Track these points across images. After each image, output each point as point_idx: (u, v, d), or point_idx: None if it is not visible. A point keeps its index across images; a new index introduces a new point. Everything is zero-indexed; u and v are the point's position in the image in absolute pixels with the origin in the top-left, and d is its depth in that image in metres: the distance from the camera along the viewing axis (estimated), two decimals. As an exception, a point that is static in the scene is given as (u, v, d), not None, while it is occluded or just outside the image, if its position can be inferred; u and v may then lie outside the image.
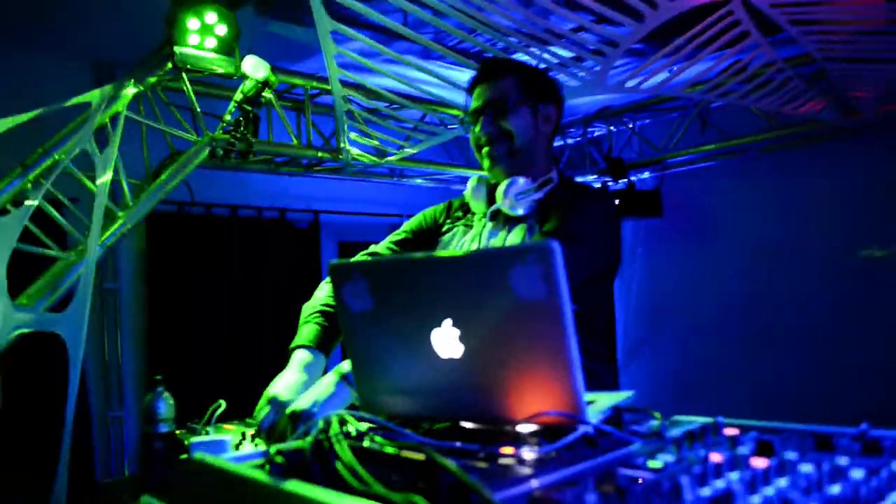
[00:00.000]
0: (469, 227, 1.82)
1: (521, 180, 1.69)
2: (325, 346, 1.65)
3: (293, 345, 1.65)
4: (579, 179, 5.83)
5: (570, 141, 5.89)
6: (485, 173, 1.83)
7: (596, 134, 5.82)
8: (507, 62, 1.83)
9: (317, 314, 1.70)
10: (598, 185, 5.45)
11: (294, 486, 0.86)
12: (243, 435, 1.74)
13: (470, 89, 1.80)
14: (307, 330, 1.67)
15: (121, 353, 4.15)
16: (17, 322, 2.02)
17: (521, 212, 1.68)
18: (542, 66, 3.01)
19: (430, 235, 1.87)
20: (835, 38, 2.82)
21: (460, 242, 1.79)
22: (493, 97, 1.72)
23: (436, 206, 1.94)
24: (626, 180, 5.28)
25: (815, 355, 4.58)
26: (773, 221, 4.87)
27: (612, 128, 5.53)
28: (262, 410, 1.51)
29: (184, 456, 1.65)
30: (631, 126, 5.45)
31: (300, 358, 1.61)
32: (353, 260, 1.18)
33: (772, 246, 4.88)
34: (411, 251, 1.84)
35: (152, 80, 2.73)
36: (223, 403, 1.77)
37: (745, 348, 5.00)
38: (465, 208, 1.87)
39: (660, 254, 5.61)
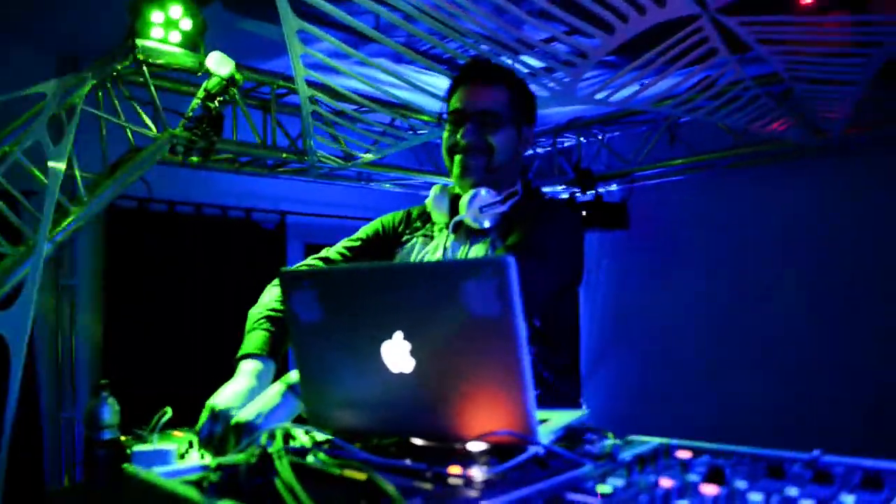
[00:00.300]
0: (429, 237, 1.76)
1: (485, 192, 1.63)
2: (274, 352, 1.58)
3: (240, 353, 1.58)
4: (546, 189, 5.85)
5: (539, 150, 5.91)
6: (448, 181, 1.79)
7: (566, 144, 5.85)
8: (502, 69, 1.74)
9: (263, 320, 1.63)
10: (565, 196, 5.47)
11: (227, 507, 0.82)
12: (190, 443, 1.68)
13: (455, 85, 1.70)
14: (255, 337, 1.60)
15: (74, 351, 4.03)
16: (-44, 320, 1.94)
17: (486, 224, 1.63)
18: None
19: (386, 243, 1.81)
20: (802, 58, 2.86)
21: (420, 254, 1.72)
22: (484, 107, 1.64)
23: (394, 214, 1.87)
24: (593, 192, 5.31)
25: (777, 371, 4.65)
26: (739, 237, 4.94)
27: (581, 139, 5.56)
28: (202, 419, 1.45)
29: (126, 465, 1.59)
30: (601, 138, 5.49)
31: (248, 368, 1.55)
32: (302, 266, 1.14)
33: (736, 261, 4.94)
34: (364, 258, 1.78)
35: (112, 72, 2.65)
36: (169, 411, 1.71)
37: (706, 361, 5.05)
38: (425, 217, 1.81)
39: (625, 266, 5.65)
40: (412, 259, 1.72)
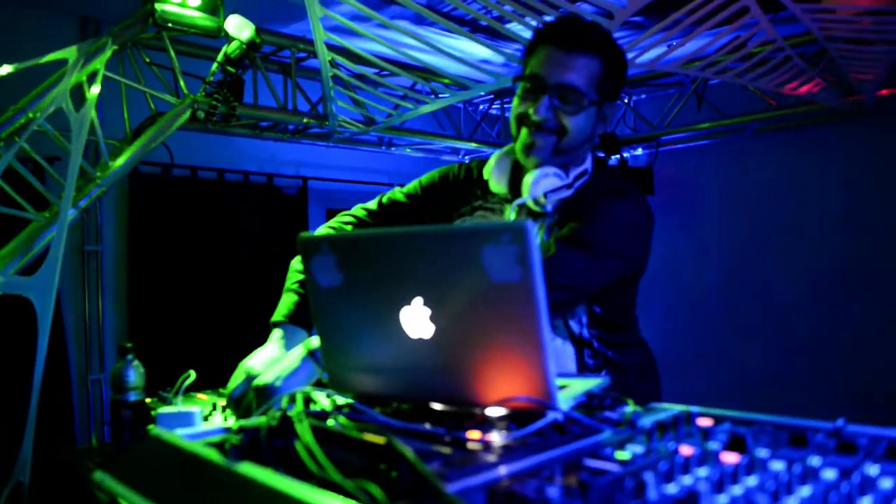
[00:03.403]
0: (489, 210, 1.63)
1: (552, 176, 1.50)
2: (306, 320, 1.57)
3: (274, 318, 1.58)
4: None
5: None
6: (489, 149, 1.72)
7: (591, 108, 5.74)
8: (597, 33, 1.49)
9: (299, 284, 1.59)
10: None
11: (246, 469, 0.83)
12: (214, 406, 1.71)
13: (536, 42, 1.51)
14: (289, 301, 1.57)
15: (101, 315, 4.10)
16: (-15, 284, 1.98)
17: (549, 208, 1.52)
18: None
19: (445, 194, 1.70)
20: (837, 16, 2.76)
21: None
22: (567, 80, 1.45)
23: (457, 165, 1.74)
24: (618, 156, 5.24)
25: (803, 338, 4.60)
26: (767, 203, 4.85)
27: (607, 102, 5.46)
28: (235, 382, 1.47)
29: (150, 426, 1.63)
30: (627, 101, 5.38)
31: (281, 334, 1.55)
32: (322, 233, 1.14)
33: (763, 227, 4.86)
34: (419, 212, 1.68)
35: (132, 37, 2.64)
36: (192, 374, 1.74)
37: (731, 328, 5.01)
38: (484, 185, 1.66)
39: (650, 231, 5.58)
40: None
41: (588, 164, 1.58)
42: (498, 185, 1.59)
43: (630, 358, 1.67)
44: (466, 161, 1.79)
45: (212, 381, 1.91)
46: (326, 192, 5.23)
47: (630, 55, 3.06)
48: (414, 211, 1.70)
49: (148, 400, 1.81)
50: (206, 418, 1.62)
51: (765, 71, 3.33)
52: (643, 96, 5.40)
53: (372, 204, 1.76)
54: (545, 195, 1.49)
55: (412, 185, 1.73)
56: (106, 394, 4.01)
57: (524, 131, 1.52)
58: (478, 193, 1.66)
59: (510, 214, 1.56)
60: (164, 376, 1.98)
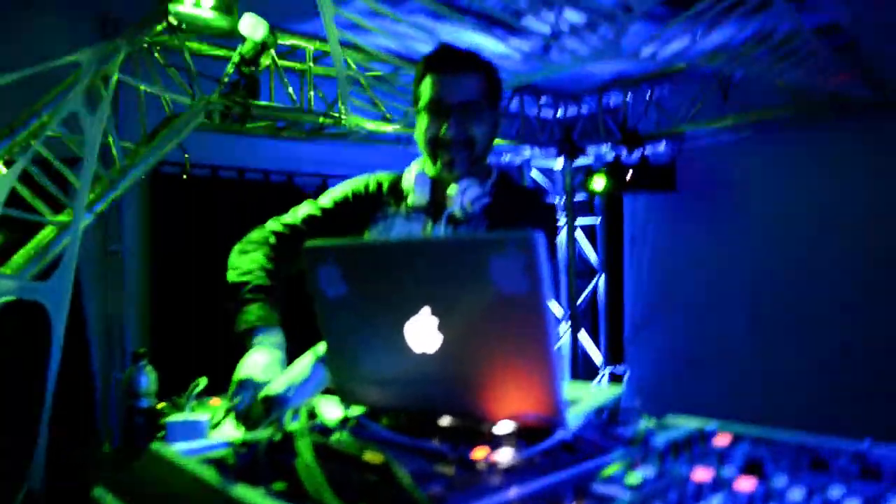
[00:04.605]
0: (407, 216, 1.74)
1: (474, 185, 1.65)
2: (279, 322, 1.60)
3: (244, 326, 1.59)
4: (591, 149, 5.71)
5: (583, 109, 5.73)
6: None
7: (612, 103, 5.66)
8: (471, 56, 1.69)
9: (256, 291, 1.65)
10: (611, 156, 5.32)
11: (241, 491, 0.81)
12: (225, 413, 1.70)
13: (424, 72, 1.67)
14: (256, 308, 1.61)
15: (123, 314, 4.14)
16: (1, 290, 1.98)
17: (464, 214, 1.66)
18: (553, 30, 2.89)
19: (358, 208, 1.78)
20: (868, 3, 2.66)
21: (401, 234, 1.71)
22: (464, 98, 1.62)
23: (366, 178, 1.83)
24: (640, 152, 5.15)
25: (830, 341, 4.46)
26: (794, 199, 4.71)
27: (628, 97, 5.37)
28: (233, 394, 1.46)
29: (161, 434, 1.62)
30: (648, 96, 5.29)
31: (267, 339, 1.56)
32: (327, 243, 1.12)
33: (791, 225, 4.72)
34: (333, 226, 1.74)
35: (147, 39, 2.64)
36: (203, 381, 1.72)
37: (755, 328, 4.90)
38: (398, 194, 1.77)
39: (672, 229, 5.48)
40: (393, 234, 1.70)
41: (495, 176, 1.75)
42: (420, 198, 1.71)
43: None
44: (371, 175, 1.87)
45: (231, 378, 1.89)
46: (346, 189, 5.21)
47: (650, 49, 2.99)
48: (328, 225, 1.77)
49: (161, 405, 1.81)
50: (215, 426, 1.61)
51: (793, 63, 3.23)
52: (666, 90, 5.29)
53: (289, 218, 1.83)
54: (471, 202, 1.64)
55: (326, 202, 1.81)
56: (127, 392, 4.04)
57: (441, 152, 1.66)
58: (391, 202, 1.77)
59: (440, 224, 1.68)
60: (185, 374, 1.97)
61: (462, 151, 1.65)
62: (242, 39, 2.91)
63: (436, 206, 1.71)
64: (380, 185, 1.81)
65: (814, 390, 4.43)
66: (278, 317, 1.62)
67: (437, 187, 1.71)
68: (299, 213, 1.83)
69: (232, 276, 1.72)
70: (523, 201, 1.74)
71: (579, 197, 6.12)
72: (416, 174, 1.72)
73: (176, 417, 1.50)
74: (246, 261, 1.73)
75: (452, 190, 1.65)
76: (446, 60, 1.67)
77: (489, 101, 1.67)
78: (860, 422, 4.02)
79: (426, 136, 1.67)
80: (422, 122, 1.68)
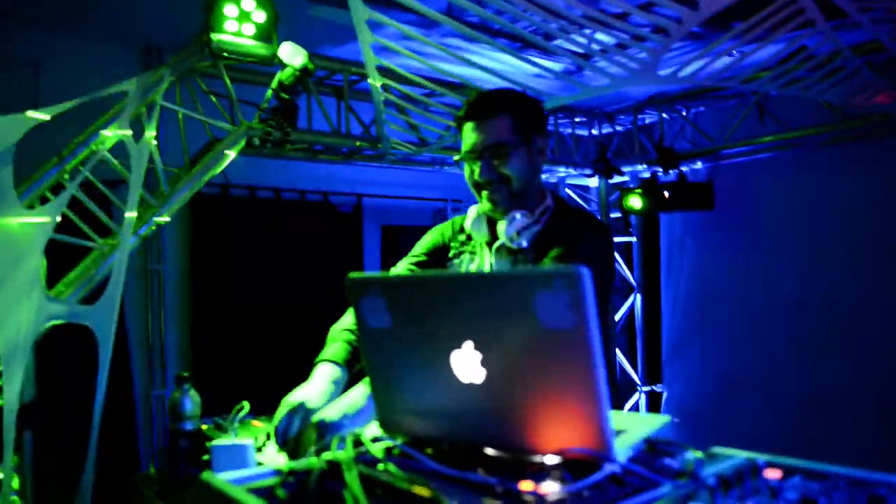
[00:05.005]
0: (473, 254, 1.87)
1: (519, 215, 1.73)
2: (350, 363, 1.67)
3: (319, 359, 1.67)
4: (626, 169, 5.67)
5: (618, 128, 5.71)
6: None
7: (647, 121, 5.63)
8: (499, 98, 1.78)
9: (346, 331, 1.74)
10: (646, 175, 5.28)
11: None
12: (268, 436, 1.72)
13: (460, 124, 1.78)
14: (334, 347, 1.70)
15: (164, 332, 4.22)
16: (49, 313, 2.04)
17: (524, 244, 1.73)
18: (584, 53, 2.89)
19: (443, 254, 1.92)
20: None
21: (467, 270, 1.81)
22: (490, 141, 1.71)
23: (444, 226, 1.98)
24: (676, 171, 5.10)
25: (876, 363, 4.34)
26: (832, 219, 4.62)
27: (664, 115, 5.34)
28: (280, 416, 1.48)
29: (205, 457, 1.65)
30: (684, 114, 5.25)
31: (325, 371, 1.61)
32: (371, 274, 1.14)
33: (829, 244, 4.62)
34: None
35: (189, 67, 2.71)
36: (247, 405, 1.75)
37: (796, 349, 4.79)
38: (468, 235, 1.90)
39: (710, 248, 5.41)
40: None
41: (549, 201, 1.81)
42: (479, 235, 1.83)
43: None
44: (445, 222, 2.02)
45: (270, 396, 1.92)
46: (381, 208, 5.27)
47: (688, 71, 2.98)
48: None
49: (205, 427, 1.84)
50: (259, 449, 1.63)
51: (833, 83, 3.19)
52: (702, 109, 5.25)
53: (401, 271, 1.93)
54: (518, 233, 1.71)
55: (416, 257, 1.94)
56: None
57: (483, 194, 1.77)
58: (462, 240, 1.91)
59: (492, 254, 1.80)
60: (226, 393, 2.01)
61: (500, 190, 1.74)
62: (282, 66, 2.97)
63: (494, 241, 1.80)
64: (453, 225, 1.96)
65: (859, 414, 4.30)
66: (350, 359, 1.69)
67: (493, 223, 1.81)
68: (401, 266, 1.95)
69: (335, 325, 1.82)
70: (578, 226, 1.78)
71: (615, 215, 6.08)
72: (474, 218, 1.84)
73: (221, 441, 1.53)
74: (350, 317, 1.82)
75: (502, 224, 1.74)
76: (476, 106, 1.75)
77: (522, 135, 1.73)
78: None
79: (469, 180, 1.80)
80: (465, 168, 1.80)
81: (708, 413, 5.08)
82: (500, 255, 1.80)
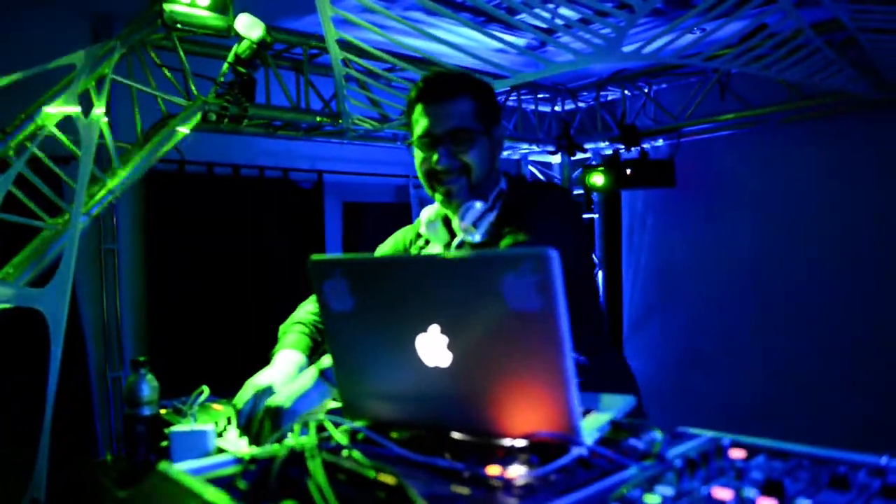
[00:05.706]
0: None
1: (478, 204, 1.59)
2: (308, 351, 1.64)
3: (276, 350, 1.64)
4: (589, 146, 5.69)
5: (581, 105, 5.72)
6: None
7: (609, 98, 5.64)
8: (459, 81, 1.64)
9: (298, 324, 1.71)
10: (609, 152, 5.30)
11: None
12: (229, 420, 1.68)
13: (413, 104, 1.63)
14: (292, 338, 1.66)
15: (120, 313, 4.11)
16: (-4, 297, 1.96)
17: (477, 238, 1.59)
18: (548, 28, 2.85)
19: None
20: (869, 5, 2.65)
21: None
22: (452, 126, 1.58)
23: (402, 231, 1.89)
24: (638, 148, 5.14)
25: (835, 336, 4.46)
26: (792, 195, 4.71)
27: (626, 92, 5.35)
28: (242, 399, 1.45)
29: (164, 443, 1.60)
30: (647, 91, 5.27)
31: (289, 356, 1.60)
32: (334, 256, 1.11)
33: (788, 220, 4.73)
34: None
35: (141, 39, 2.60)
36: (206, 390, 1.71)
37: (755, 323, 4.90)
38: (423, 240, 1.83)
39: (671, 224, 5.48)
40: None
41: (502, 183, 1.69)
42: (436, 238, 1.73)
43: (605, 364, 1.64)
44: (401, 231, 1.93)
45: (229, 383, 1.88)
46: (342, 185, 5.21)
47: (653, 47, 2.97)
48: None
49: (163, 411, 1.79)
50: (220, 434, 1.60)
51: (793, 61, 3.22)
52: (664, 86, 5.28)
53: None
54: (474, 224, 1.58)
55: None
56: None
57: (437, 184, 1.63)
58: (421, 245, 1.81)
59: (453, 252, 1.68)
60: (183, 374, 1.97)
61: (458, 180, 1.61)
62: (238, 39, 2.88)
63: (453, 239, 1.71)
64: (412, 234, 1.86)
65: (819, 386, 4.43)
66: (309, 346, 1.65)
67: (448, 223, 1.73)
68: None
69: (285, 325, 1.76)
70: (539, 201, 1.64)
71: (577, 192, 6.12)
72: (427, 223, 1.74)
73: (179, 428, 1.48)
74: (300, 313, 1.78)
75: (456, 218, 1.63)
76: (433, 88, 1.61)
77: (483, 123, 1.61)
78: (871, 421, 4.04)
79: (421, 168, 1.65)
80: (416, 154, 1.65)
81: (669, 388, 5.18)
82: (464, 250, 1.73)
